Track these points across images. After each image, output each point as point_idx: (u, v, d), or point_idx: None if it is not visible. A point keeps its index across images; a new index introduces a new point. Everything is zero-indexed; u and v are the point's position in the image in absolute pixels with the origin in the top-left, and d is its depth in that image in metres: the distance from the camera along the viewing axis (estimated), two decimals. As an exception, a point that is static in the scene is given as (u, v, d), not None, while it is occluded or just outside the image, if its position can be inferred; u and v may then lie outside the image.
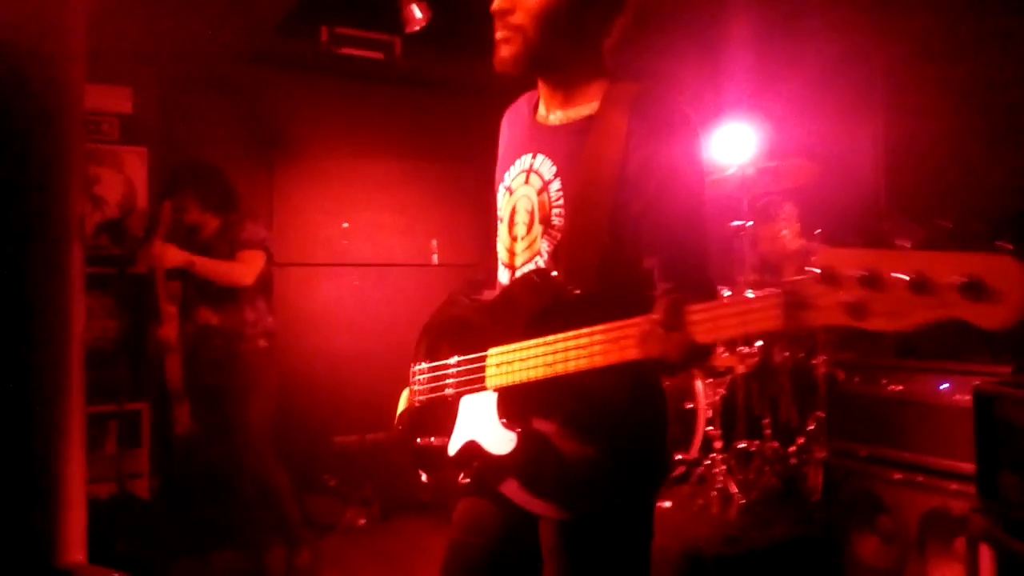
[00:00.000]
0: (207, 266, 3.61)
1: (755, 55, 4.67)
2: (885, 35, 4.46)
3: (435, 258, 5.35)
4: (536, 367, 1.37)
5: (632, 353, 1.24)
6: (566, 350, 1.32)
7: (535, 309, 1.44)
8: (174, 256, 3.57)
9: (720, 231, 4.02)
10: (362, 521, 4.59)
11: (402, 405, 1.74)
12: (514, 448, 1.41)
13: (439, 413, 1.59)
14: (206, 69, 4.77)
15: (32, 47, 2.66)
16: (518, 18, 1.49)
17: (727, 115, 4.49)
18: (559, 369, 1.34)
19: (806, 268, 1.03)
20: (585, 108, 1.53)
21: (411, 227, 5.53)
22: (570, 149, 1.51)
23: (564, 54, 1.52)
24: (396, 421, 1.74)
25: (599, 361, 1.28)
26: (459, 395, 1.54)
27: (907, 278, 0.95)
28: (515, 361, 1.41)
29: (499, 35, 1.52)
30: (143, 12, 3.84)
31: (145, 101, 4.66)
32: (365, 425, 4.72)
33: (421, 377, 1.67)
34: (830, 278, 1.00)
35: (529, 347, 1.39)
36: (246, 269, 3.64)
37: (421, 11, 3.97)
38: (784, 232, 4.08)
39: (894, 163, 4.52)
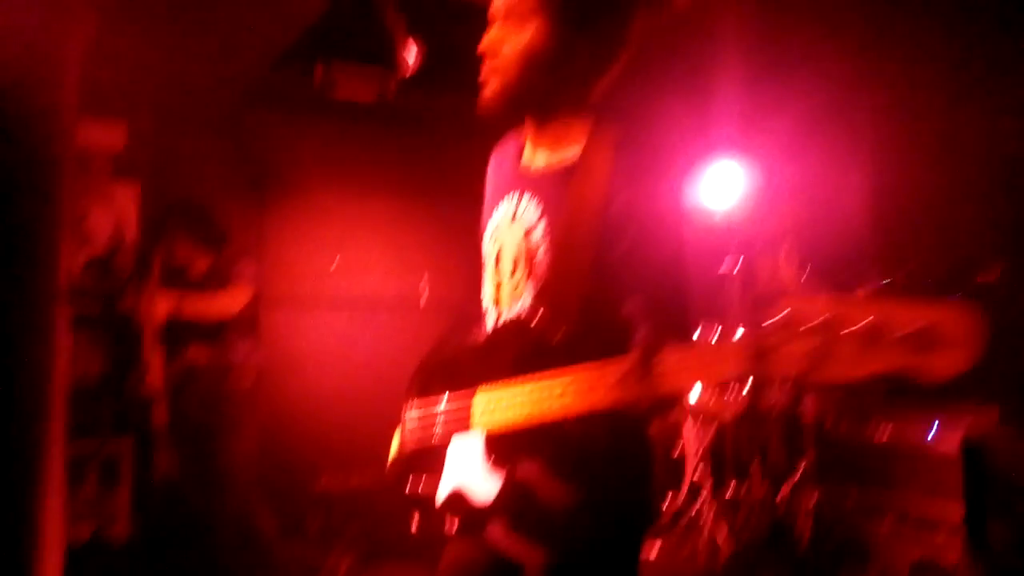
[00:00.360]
0: (194, 307, 3.60)
1: (744, 101, 4.74)
2: (871, 85, 4.55)
3: (424, 298, 5.34)
4: (517, 409, 1.37)
5: (603, 398, 1.26)
6: (542, 393, 1.33)
7: (517, 356, 1.44)
8: (163, 306, 3.56)
9: (711, 270, 4.05)
10: (345, 566, 4.51)
11: (393, 449, 1.72)
12: (499, 490, 1.40)
13: (428, 459, 1.58)
14: (198, 106, 4.80)
15: (27, 85, 2.68)
16: (501, 60, 1.51)
17: (717, 157, 4.56)
18: (537, 413, 1.34)
19: (770, 316, 1.07)
20: (570, 149, 1.53)
21: (401, 266, 5.53)
22: (555, 191, 1.51)
23: (547, 97, 1.54)
24: (388, 470, 1.72)
25: (574, 406, 1.29)
26: (446, 438, 1.53)
27: (864, 326, 0.99)
28: (498, 404, 1.41)
29: (483, 76, 1.54)
30: (137, 49, 3.87)
31: (137, 137, 4.67)
32: (351, 467, 4.66)
33: (411, 419, 1.66)
34: (791, 326, 1.04)
35: (511, 391, 1.39)
36: (231, 302, 3.64)
37: (413, 54, 4.01)
38: (779, 270, 4.10)
39: (879, 207, 4.57)
